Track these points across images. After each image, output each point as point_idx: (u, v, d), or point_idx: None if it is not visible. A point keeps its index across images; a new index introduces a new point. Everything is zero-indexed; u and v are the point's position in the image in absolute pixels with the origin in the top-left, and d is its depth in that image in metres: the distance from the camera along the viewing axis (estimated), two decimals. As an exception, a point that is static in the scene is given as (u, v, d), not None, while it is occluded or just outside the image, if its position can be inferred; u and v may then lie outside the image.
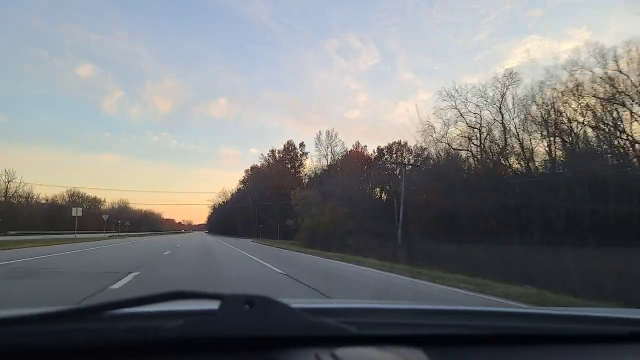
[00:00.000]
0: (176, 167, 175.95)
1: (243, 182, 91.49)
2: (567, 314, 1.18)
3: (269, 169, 79.94)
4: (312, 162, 79.81)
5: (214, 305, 0.74)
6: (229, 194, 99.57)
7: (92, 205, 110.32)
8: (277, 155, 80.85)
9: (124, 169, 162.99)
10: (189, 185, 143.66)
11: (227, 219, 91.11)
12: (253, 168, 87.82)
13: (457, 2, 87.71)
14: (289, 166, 79.36)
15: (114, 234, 56.67)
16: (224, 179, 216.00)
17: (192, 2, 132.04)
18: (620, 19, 61.86)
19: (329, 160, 71.83)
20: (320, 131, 75.50)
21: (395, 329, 0.92)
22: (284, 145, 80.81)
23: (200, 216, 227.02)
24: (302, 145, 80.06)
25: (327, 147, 71.72)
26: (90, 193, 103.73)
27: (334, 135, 72.06)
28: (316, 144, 72.31)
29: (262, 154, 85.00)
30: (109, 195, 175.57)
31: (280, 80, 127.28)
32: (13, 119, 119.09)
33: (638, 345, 1.02)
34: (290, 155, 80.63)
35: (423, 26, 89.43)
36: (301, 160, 79.20)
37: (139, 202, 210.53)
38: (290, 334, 0.77)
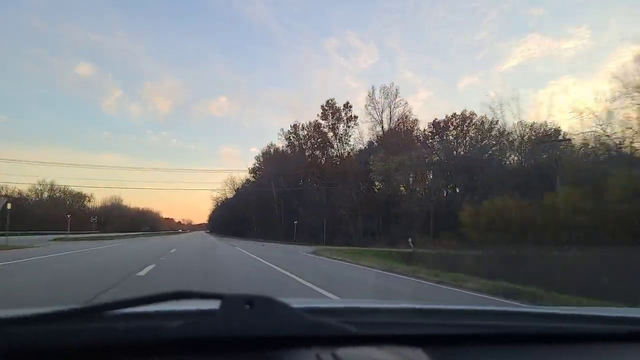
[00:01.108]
0: (176, 167, 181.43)
1: (254, 170, 67.54)
2: (567, 313, 1.16)
3: (292, 149, 57.95)
4: (358, 134, 56.03)
5: (214, 305, 0.74)
6: (238, 184, 75.29)
7: (76, 201, 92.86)
8: (301, 133, 57.63)
9: (123, 168, 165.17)
10: (189, 185, 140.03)
11: (236, 215, 68.19)
12: (266, 152, 64.96)
13: (457, 1, 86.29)
14: (331, 135, 53.55)
15: (62, 237, 37.12)
16: (224, 178, 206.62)
17: (192, 2, 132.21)
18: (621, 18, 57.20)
19: (387, 127, 48.60)
20: (372, 87, 52.50)
21: (396, 328, 0.91)
22: (322, 107, 53.62)
23: (201, 215, 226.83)
24: (347, 106, 52.52)
25: (383, 111, 48.64)
26: (74, 187, 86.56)
27: (394, 92, 48.37)
28: (367, 105, 49.28)
29: (282, 130, 60.32)
30: (101, 192, 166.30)
31: (281, 80, 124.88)
32: (13, 119, 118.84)
33: (637, 344, 1.01)
34: (331, 120, 53.56)
35: (423, 25, 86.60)
36: (347, 128, 52.69)
37: (137, 201, 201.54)
38: (290, 333, 0.76)
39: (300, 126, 57.25)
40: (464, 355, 0.89)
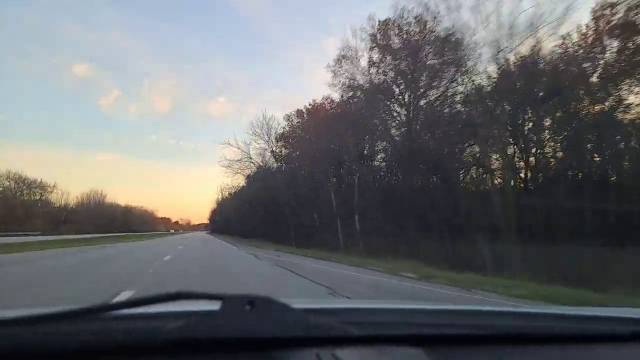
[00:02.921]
0: (174, 166, 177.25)
1: (283, 137, 35.71)
2: (568, 313, 1.16)
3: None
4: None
5: (214, 306, 0.74)
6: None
7: (31, 191, 66.82)
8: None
9: (121, 167, 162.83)
10: (188, 184, 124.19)
11: (260, 200, 35.62)
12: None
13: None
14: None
15: None
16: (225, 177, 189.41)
17: (192, 1, 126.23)
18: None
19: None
20: None
21: (397, 328, 0.91)
22: None
23: (200, 216, 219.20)
24: None
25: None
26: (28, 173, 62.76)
27: None
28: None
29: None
30: (84, 187, 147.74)
31: (280, 78, 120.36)
32: (12, 118, 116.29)
33: (638, 345, 1.00)
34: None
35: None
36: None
37: (136, 201, 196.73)
38: (291, 334, 0.76)
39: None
40: (465, 356, 0.88)
